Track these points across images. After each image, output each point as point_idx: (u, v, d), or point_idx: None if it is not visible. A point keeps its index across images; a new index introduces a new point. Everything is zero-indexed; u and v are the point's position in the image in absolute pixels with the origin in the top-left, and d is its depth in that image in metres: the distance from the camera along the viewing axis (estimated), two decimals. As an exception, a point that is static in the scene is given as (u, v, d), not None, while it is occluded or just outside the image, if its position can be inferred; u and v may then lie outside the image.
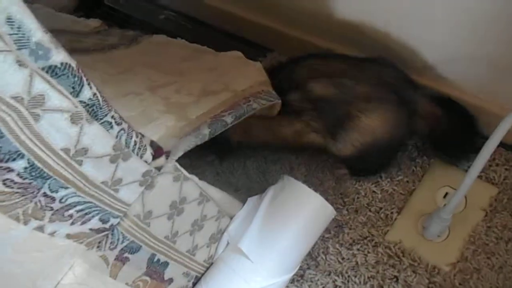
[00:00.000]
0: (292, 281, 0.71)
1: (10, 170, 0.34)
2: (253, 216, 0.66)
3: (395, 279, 0.67)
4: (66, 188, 0.40)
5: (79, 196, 0.42)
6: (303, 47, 0.90)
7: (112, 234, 0.49)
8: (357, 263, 0.70)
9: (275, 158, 0.84)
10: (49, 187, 0.38)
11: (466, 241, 0.68)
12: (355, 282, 0.69)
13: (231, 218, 0.68)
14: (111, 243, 0.49)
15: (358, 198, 0.76)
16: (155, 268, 0.56)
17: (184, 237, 0.58)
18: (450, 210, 0.63)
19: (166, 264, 0.58)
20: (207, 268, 0.68)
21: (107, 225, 0.47)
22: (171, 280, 0.61)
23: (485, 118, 0.69)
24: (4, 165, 0.34)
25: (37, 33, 0.31)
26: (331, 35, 0.82)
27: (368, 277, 0.69)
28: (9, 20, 0.29)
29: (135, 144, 0.45)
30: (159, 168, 0.50)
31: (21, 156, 0.35)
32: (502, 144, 0.72)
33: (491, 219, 0.68)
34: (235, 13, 0.99)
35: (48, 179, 0.38)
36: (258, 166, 0.82)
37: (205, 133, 0.55)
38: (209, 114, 0.57)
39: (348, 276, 0.70)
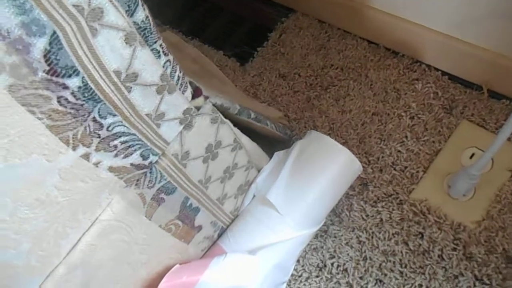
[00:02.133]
0: (316, 236, 0.72)
1: (66, 87, 0.33)
2: (280, 169, 0.65)
3: (420, 236, 0.68)
4: (114, 115, 0.39)
5: (124, 126, 0.41)
6: (324, 7, 0.88)
7: (150, 172, 0.48)
8: (381, 220, 0.70)
9: (298, 116, 0.83)
10: (99, 112, 0.38)
11: (492, 200, 0.68)
12: (379, 238, 0.69)
13: (259, 171, 0.67)
14: (149, 181, 0.48)
15: (382, 157, 0.75)
16: (187, 213, 0.56)
17: (215, 184, 0.58)
18: (478, 169, 0.63)
19: (197, 210, 0.58)
20: (232, 220, 0.68)
21: (146, 162, 0.47)
22: (200, 228, 0.61)
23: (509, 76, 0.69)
24: (60, 80, 0.33)
25: None
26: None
27: (393, 234, 0.69)
28: None
29: (178, 79, 0.44)
30: (198, 108, 0.49)
31: (77, 73, 0.33)
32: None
33: (518, 179, 0.68)
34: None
35: (99, 102, 0.37)
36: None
37: (236, 107, 0.58)
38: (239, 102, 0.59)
39: (372, 232, 0.70)
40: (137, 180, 0.48)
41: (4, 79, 0.29)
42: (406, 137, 0.76)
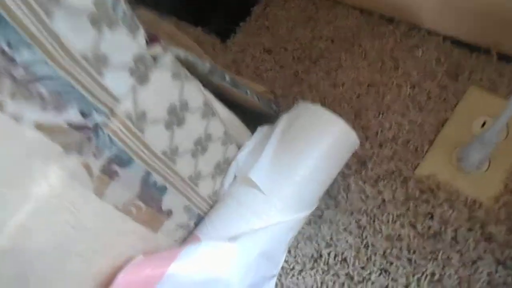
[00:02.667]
0: (308, 222, 0.62)
1: None
2: (264, 145, 0.56)
3: (429, 216, 0.58)
4: (31, 48, 0.30)
5: (49, 66, 0.32)
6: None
7: (96, 137, 0.39)
8: (383, 200, 0.61)
9: (285, 92, 0.74)
10: (7, 41, 0.29)
11: (510, 172, 0.59)
12: (382, 221, 0.60)
13: (240, 148, 0.58)
14: (95, 147, 0.39)
15: (382, 131, 0.66)
16: (151, 192, 0.46)
17: (185, 158, 0.49)
18: (494, 136, 0.54)
19: (164, 189, 0.48)
20: (211, 207, 0.58)
21: (89, 122, 0.37)
22: (170, 213, 0.51)
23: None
24: None
25: None
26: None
27: (397, 216, 0.59)
28: None
29: (123, 13, 0.36)
30: (155, 58, 0.40)
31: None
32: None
33: (538, 147, 0.59)
34: None
35: (5, 28, 0.28)
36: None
37: (206, 65, 0.50)
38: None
39: (374, 215, 0.60)
40: (80, 146, 0.38)
41: None
42: (408, 107, 0.67)
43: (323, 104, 0.71)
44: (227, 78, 0.53)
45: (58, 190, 0.38)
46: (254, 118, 0.62)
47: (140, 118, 0.41)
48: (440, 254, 0.56)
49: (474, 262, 0.54)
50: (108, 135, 0.40)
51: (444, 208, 0.58)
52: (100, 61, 0.35)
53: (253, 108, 0.62)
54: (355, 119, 0.68)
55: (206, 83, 0.50)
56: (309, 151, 0.55)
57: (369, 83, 0.71)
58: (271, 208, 0.53)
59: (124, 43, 0.36)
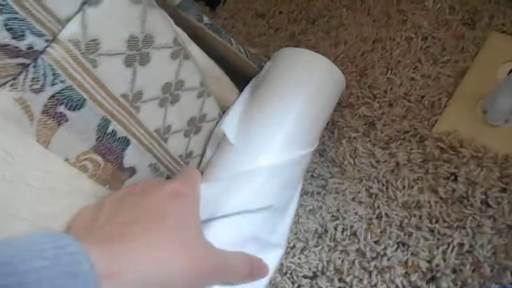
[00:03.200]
0: (311, 194, 0.54)
1: None
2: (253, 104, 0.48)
3: (453, 178, 0.49)
4: None
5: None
6: None
7: (34, 66, 0.31)
8: (397, 164, 0.52)
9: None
10: None
11: (547, 123, 0.49)
12: (396, 188, 0.51)
13: (223, 109, 0.50)
14: (33, 79, 0.31)
15: (391, 88, 0.58)
16: (109, 144, 0.38)
17: (150, 105, 0.40)
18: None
19: (125, 141, 0.40)
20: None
21: (22, 45, 0.30)
22: (133, 170, 0.42)
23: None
24: None
25: None
26: None
27: (415, 180, 0.51)
28: None
29: None
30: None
31: None
32: None
33: None
34: None
35: None
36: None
37: None
38: None
39: (387, 181, 0.52)
40: (12, 76, 0.31)
41: None
42: (420, 61, 0.59)
43: (324, 65, 0.63)
44: (205, 19, 0.45)
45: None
46: (242, 80, 0.54)
47: (90, 47, 0.33)
48: (468, 221, 0.46)
49: (510, 228, 0.45)
50: (50, 65, 0.32)
51: (470, 167, 0.49)
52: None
53: (240, 66, 0.54)
54: (360, 78, 0.60)
55: (179, 23, 0.42)
56: (294, 92, 0.46)
57: (374, 39, 0.63)
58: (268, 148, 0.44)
59: None
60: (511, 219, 0.45)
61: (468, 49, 0.57)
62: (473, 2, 0.61)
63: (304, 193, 0.54)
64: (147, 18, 0.37)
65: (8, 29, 0.29)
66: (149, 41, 0.38)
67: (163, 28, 0.39)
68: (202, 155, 0.50)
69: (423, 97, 0.56)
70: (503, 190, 0.47)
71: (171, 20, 0.40)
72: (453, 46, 0.58)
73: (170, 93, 0.42)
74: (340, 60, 0.62)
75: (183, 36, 0.42)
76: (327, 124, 0.55)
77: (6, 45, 0.29)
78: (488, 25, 0.58)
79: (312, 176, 0.55)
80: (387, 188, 0.51)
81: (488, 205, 0.47)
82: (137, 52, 0.37)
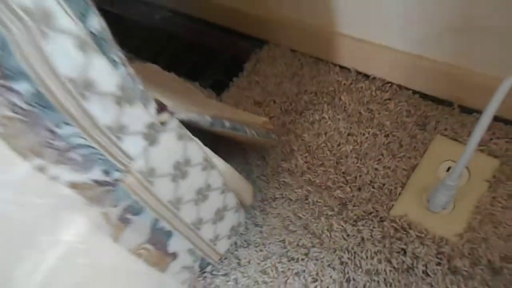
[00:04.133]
0: (296, 260, 0.69)
1: (17, 92, 0.33)
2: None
3: (402, 252, 0.66)
4: (70, 125, 0.38)
5: (83, 137, 0.40)
6: (295, 37, 0.91)
7: (115, 191, 0.47)
8: (362, 238, 0.69)
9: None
10: (53, 120, 0.37)
11: (472, 211, 0.67)
12: (361, 257, 0.67)
13: (237, 195, 0.66)
14: (113, 199, 0.47)
15: (360, 175, 0.75)
16: (158, 236, 0.54)
17: (188, 206, 0.56)
18: (454, 179, 0.62)
19: (170, 233, 0.56)
20: (214, 250, 0.65)
21: (110, 179, 0.45)
22: (175, 255, 0.58)
23: (481, 92, 0.70)
24: (10, 84, 0.32)
25: None
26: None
27: (375, 252, 0.67)
28: None
29: (140, 92, 0.44)
30: (163, 123, 0.49)
31: (27, 78, 0.33)
32: (502, 119, 0.72)
33: (495, 189, 0.68)
34: (228, 6, 1.00)
35: (52, 110, 0.36)
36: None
37: (208, 120, 0.57)
38: (211, 114, 0.58)
39: (354, 252, 0.68)
40: (101, 198, 0.46)
41: None
42: (382, 155, 0.76)
43: (308, 151, 0.80)
44: (227, 124, 0.61)
45: (82, 236, 0.46)
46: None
47: (150, 174, 0.49)
48: (413, 286, 0.63)
49: (443, 293, 0.62)
50: (124, 189, 0.48)
51: (415, 245, 0.65)
52: (120, 130, 0.44)
53: (254, 142, 0.70)
54: (336, 165, 0.77)
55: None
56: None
57: (348, 133, 0.80)
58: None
59: (140, 115, 0.45)
60: (443, 286, 0.62)
61: (418, 148, 0.75)
62: (425, 107, 0.79)
63: (290, 259, 0.69)
64: (187, 148, 0.53)
65: (104, 171, 0.44)
66: (187, 162, 0.54)
67: (197, 152, 0.55)
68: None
69: (384, 184, 0.73)
70: (438, 263, 0.63)
71: (201, 144, 0.56)
72: (408, 144, 0.76)
73: (202, 195, 0.58)
74: (321, 149, 0.79)
75: (209, 152, 0.58)
76: (311, 203, 0.72)
77: (101, 180, 0.45)
78: (434, 129, 0.76)
79: (297, 245, 0.71)
80: (354, 257, 0.67)
81: (428, 275, 0.63)
82: (179, 171, 0.53)
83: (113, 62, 0.40)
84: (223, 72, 0.98)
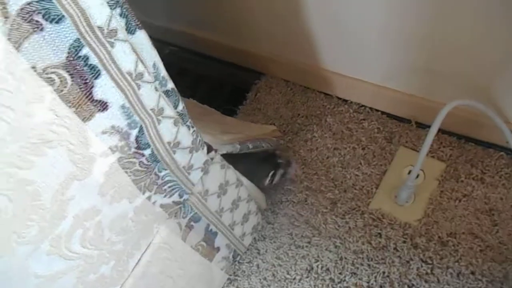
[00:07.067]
0: (302, 247, 0.93)
1: (143, 155, 0.56)
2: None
3: (379, 235, 0.91)
4: (166, 169, 0.61)
5: (171, 175, 0.63)
6: (288, 70, 1.14)
7: (184, 206, 0.70)
8: (349, 228, 0.93)
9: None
10: (158, 168, 0.60)
11: (427, 203, 0.92)
12: (350, 241, 0.91)
13: (257, 203, 0.89)
14: (183, 213, 0.70)
15: (345, 180, 0.99)
16: (209, 236, 0.77)
17: (227, 213, 0.80)
18: (412, 180, 0.87)
19: (216, 233, 0.79)
20: (242, 244, 0.89)
21: (181, 199, 0.68)
22: (218, 249, 0.81)
23: (431, 112, 0.95)
24: (140, 151, 0.55)
25: (162, 70, 0.53)
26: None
27: (359, 237, 0.91)
28: (153, 65, 0.51)
29: (200, 141, 0.67)
30: (212, 158, 0.72)
31: (149, 146, 0.56)
32: (446, 132, 0.98)
33: (443, 185, 0.93)
34: (227, 44, 1.23)
35: (158, 162, 0.59)
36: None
37: (237, 147, 0.79)
38: (234, 140, 0.81)
39: (344, 238, 0.92)
40: (176, 213, 0.69)
41: (117, 155, 0.51)
42: (361, 163, 1.00)
43: (304, 164, 1.04)
44: (250, 146, 0.84)
45: (164, 239, 0.69)
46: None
47: (205, 193, 0.72)
48: (387, 259, 0.88)
49: (407, 262, 0.87)
50: (189, 206, 0.71)
51: (387, 230, 0.90)
52: (190, 168, 0.66)
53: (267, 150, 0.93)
54: (327, 173, 1.01)
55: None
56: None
57: (334, 147, 1.04)
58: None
59: (200, 157, 0.68)
60: (408, 257, 0.87)
61: (387, 157, 1.00)
62: (390, 125, 1.04)
63: (297, 246, 0.93)
64: (226, 174, 0.76)
65: (179, 195, 0.67)
66: (227, 183, 0.77)
67: (232, 175, 0.78)
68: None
69: (363, 186, 0.97)
70: (404, 241, 0.89)
71: (235, 170, 0.79)
72: (379, 154, 1.00)
73: (235, 205, 0.81)
74: (314, 161, 1.03)
75: (238, 173, 0.81)
76: (310, 204, 0.96)
77: (177, 201, 0.68)
78: (398, 141, 1.01)
79: (302, 236, 0.95)
80: (344, 242, 0.92)
81: (397, 250, 0.88)
82: (222, 190, 0.76)
83: (190, 127, 0.63)
84: (230, 100, 1.21)
